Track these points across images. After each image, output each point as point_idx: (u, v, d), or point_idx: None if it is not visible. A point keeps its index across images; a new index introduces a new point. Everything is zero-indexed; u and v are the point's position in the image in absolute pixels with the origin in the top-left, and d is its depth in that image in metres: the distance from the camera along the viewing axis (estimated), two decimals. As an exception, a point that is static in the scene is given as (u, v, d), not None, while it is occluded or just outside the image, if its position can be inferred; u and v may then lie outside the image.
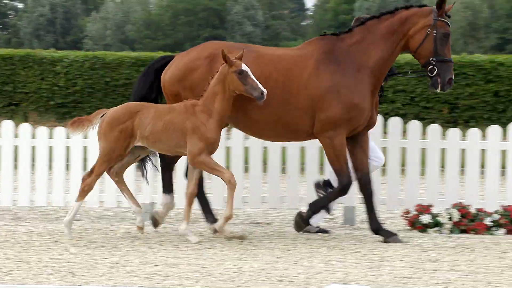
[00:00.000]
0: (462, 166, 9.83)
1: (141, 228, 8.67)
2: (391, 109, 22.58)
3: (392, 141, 9.86)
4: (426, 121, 20.46)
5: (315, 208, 8.65)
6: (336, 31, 8.90)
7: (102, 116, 8.55)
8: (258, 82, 8.12)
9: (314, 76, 8.47)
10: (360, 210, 9.85)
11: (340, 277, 6.88)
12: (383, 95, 9.11)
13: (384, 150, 9.77)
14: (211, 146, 8.30)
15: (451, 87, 8.55)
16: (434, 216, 9.27)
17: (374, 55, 8.56)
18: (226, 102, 8.26)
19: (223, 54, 8.16)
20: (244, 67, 8.17)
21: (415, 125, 9.87)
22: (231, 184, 8.19)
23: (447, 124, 20.38)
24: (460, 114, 22.31)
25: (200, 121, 8.26)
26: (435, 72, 8.48)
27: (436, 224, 9.23)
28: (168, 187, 8.96)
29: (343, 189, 8.56)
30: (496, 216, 9.23)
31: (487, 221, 9.18)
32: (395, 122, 9.90)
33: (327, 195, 8.77)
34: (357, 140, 8.71)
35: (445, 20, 8.55)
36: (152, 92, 8.95)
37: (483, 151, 9.78)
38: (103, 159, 8.49)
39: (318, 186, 9.15)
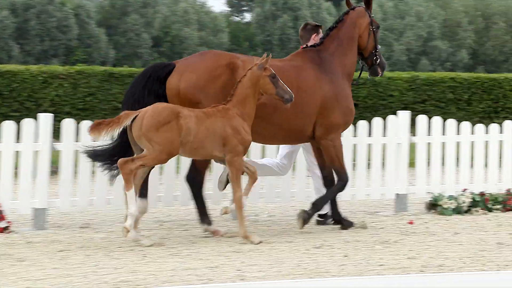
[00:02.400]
0: None
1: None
2: None
3: None
4: None
5: (317, 206, 9.16)
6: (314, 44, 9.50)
7: (134, 118, 8.15)
8: (286, 86, 8.44)
9: (316, 86, 9.11)
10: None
11: None
12: None
13: None
14: (247, 149, 8.53)
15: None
16: None
17: (347, 61, 9.42)
18: (254, 105, 8.45)
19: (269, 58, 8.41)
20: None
21: None
22: (238, 203, 8.33)
23: None
24: None
25: (239, 125, 8.34)
26: (378, 61, 9.63)
27: None
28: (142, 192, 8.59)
29: (343, 186, 9.26)
30: None
31: None
32: None
33: (327, 193, 9.27)
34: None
35: (373, 14, 9.68)
36: (154, 100, 8.54)
37: None
38: (153, 158, 8.12)
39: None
